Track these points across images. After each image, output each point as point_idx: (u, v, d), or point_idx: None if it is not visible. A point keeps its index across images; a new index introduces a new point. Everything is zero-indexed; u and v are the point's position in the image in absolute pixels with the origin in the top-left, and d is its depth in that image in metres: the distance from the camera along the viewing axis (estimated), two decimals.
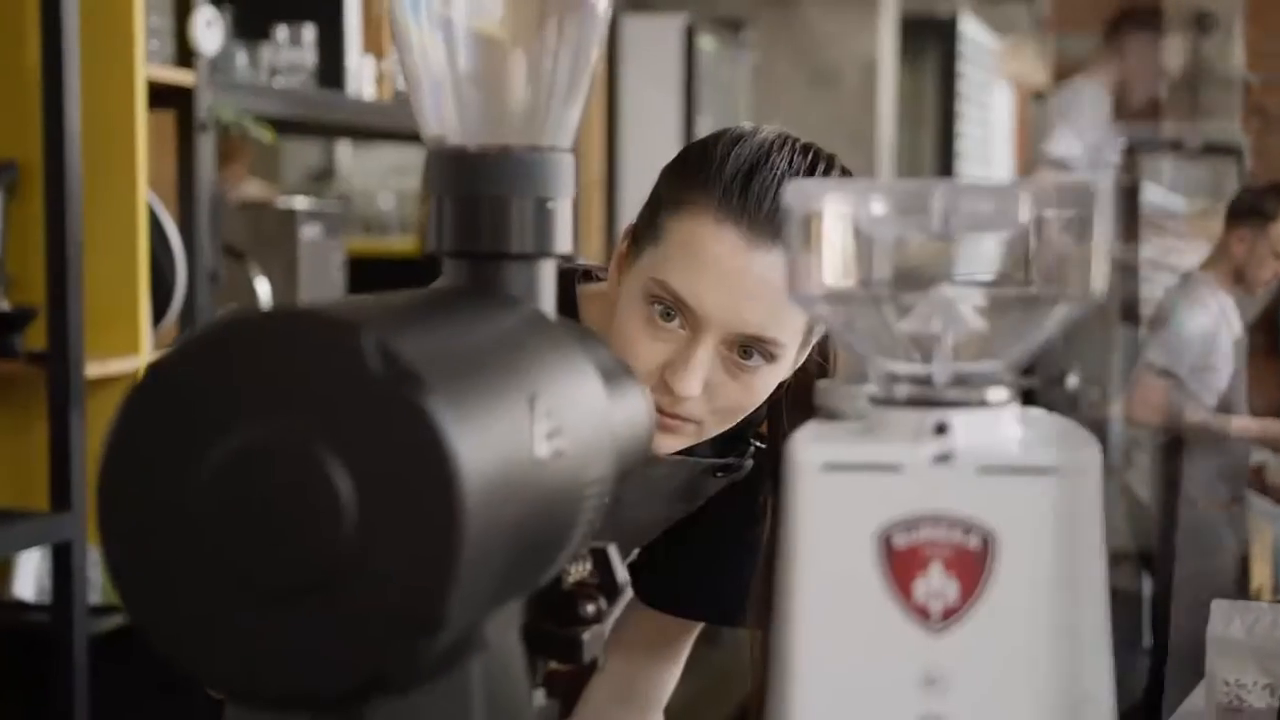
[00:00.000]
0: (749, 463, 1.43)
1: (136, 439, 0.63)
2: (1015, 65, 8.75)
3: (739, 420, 1.32)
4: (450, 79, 0.83)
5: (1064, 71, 9.85)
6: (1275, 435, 4.38)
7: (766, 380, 1.29)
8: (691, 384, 1.25)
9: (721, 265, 1.25)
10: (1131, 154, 5.21)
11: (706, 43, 4.83)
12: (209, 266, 2.72)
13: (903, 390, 0.71)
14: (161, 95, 2.64)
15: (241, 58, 2.96)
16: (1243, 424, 4.33)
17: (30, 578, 2.61)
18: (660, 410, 1.27)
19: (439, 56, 0.83)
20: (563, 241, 0.83)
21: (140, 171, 2.50)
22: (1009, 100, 9.13)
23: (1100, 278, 0.69)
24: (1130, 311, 4.70)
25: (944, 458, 0.68)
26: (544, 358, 0.75)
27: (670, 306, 1.26)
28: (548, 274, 0.83)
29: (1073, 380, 4.55)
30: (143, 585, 0.63)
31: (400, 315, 0.68)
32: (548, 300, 0.83)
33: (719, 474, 1.42)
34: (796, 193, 0.71)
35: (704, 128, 5.81)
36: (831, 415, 0.81)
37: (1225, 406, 4.16)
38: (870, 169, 5.72)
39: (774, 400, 1.35)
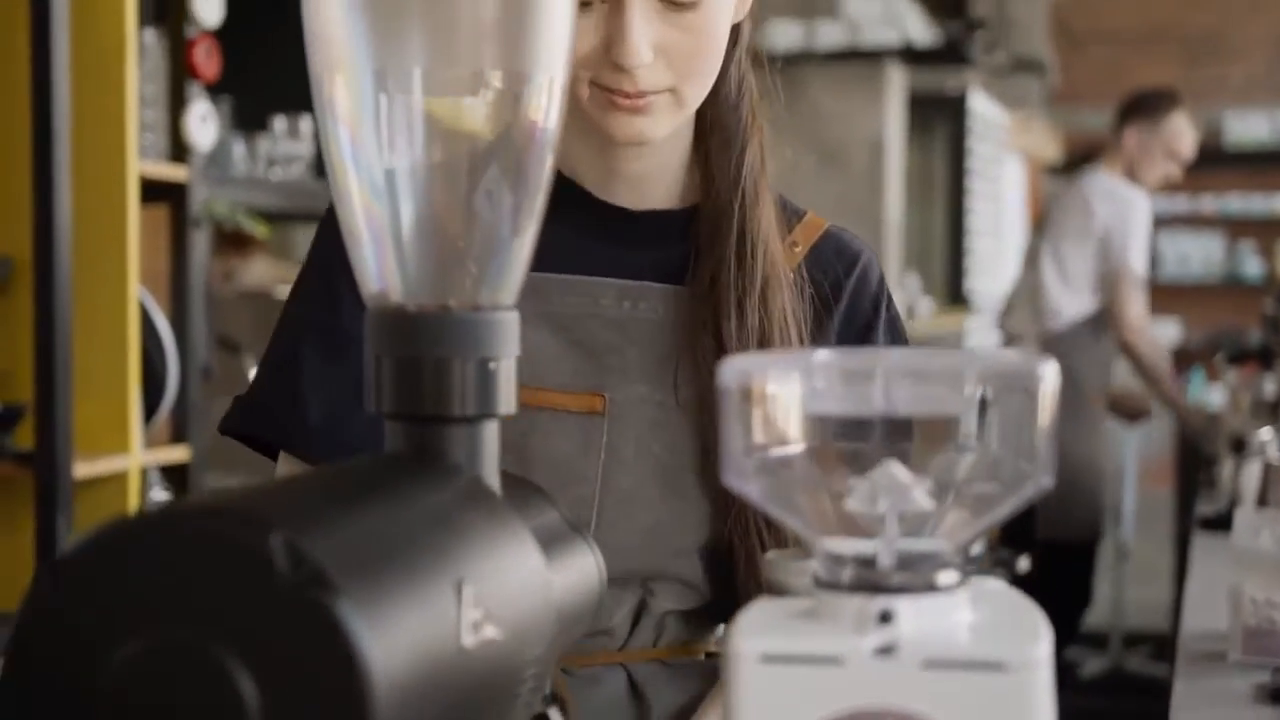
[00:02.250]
0: None
1: (39, 640, 0.61)
2: (1026, 139, 8.76)
3: (713, 74, 1.22)
4: (391, 234, 0.81)
5: (1074, 144, 9.87)
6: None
7: (714, 16, 1.19)
8: (635, 49, 1.15)
9: None
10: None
11: None
12: (201, 361, 2.70)
13: (847, 573, 0.68)
14: (156, 190, 2.64)
15: (239, 149, 2.95)
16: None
17: None
18: (624, 93, 1.18)
19: (379, 210, 0.80)
20: (506, 403, 0.81)
21: (132, 268, 2.49)
22: (1020, 173, 9.12)
23: (1048, 462, 0.66)
24: None
25: (887, 650, 0.65)
26: (476, 535, 0.72)
27: None
28: (490, 436, 0.80)
29: None
30: None
31: (316, 505, 0.65)
32: (490, 463, 0.80)
33: None
34: (732, 369, 0.69)
35: None
36: (779, 590, 0.78)
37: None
38: (879, 247, 5.71)
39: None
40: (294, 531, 0.60)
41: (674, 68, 1.18)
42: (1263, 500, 2.72)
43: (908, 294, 6.33)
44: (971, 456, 0.70)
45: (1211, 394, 8.38)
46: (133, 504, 2.54)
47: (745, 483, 0.70)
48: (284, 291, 1.34)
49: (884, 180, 5.69)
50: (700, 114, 1.27)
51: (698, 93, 1.22)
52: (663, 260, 1.28)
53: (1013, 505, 0.68)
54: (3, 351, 2.46)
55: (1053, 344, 4.42)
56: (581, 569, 0.82)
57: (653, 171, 1.29)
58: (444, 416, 0.79)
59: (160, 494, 2.74)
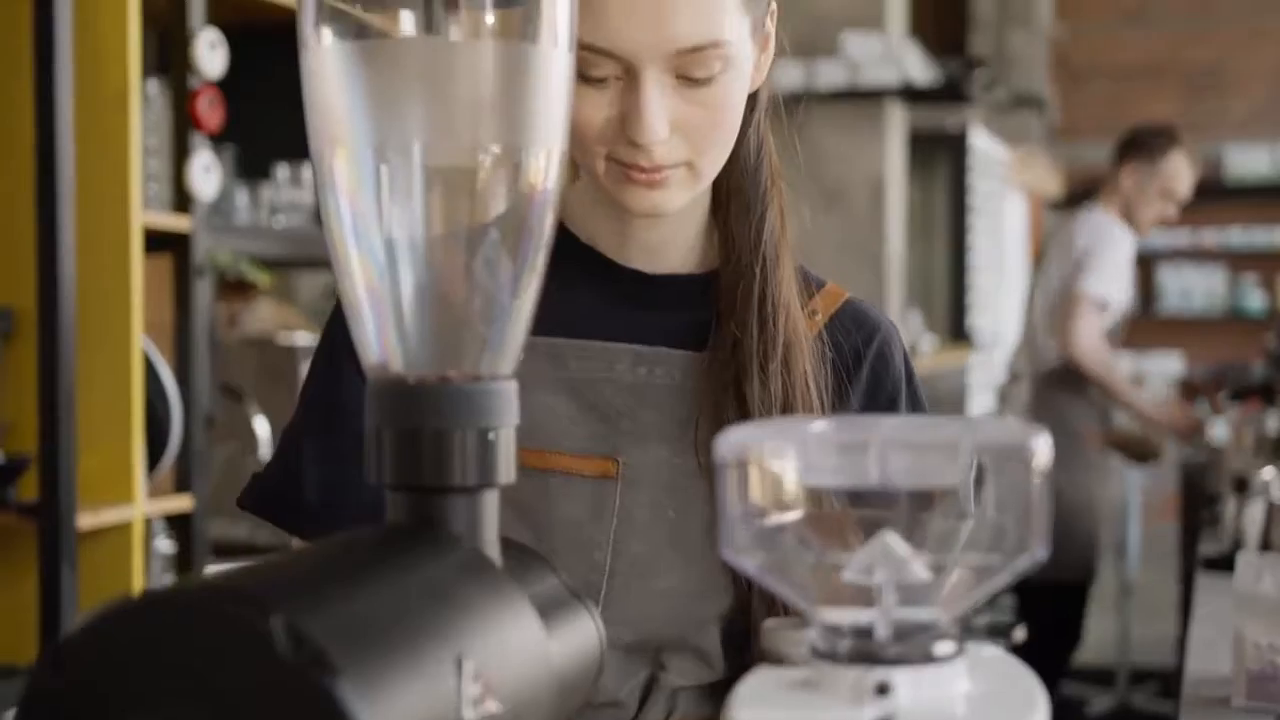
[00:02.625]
0: None
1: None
2: (1027, 174, 8.79)
3: (729, 145, 1.21)
4: (390, 305, 0.81)
5: (1076, 179, 9.90)
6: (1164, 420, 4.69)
7: (730, 89, 1.18)
8: (651, 127, 1.14)
9: None
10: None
11: None
12: (205, 410, 2.71)
13: (844, 645, 0.69)
14: (159, 239, 2.65)
15: (242, 197, 2.97)
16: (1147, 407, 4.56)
17: None
18: (640, 168, 1.17)
19: (379, 282, 0.81)
20: (506, 472, 0.81)
21: (135, 318, 2.50)
22: (1021, 209, 9.15)
23: (1044, 533, 0.67)
24: None
25: None
26: (476, 609, 0.72)
27: (594, 65, 1.14)
28: (490, 505, 0.81)
29: None
30: None
31: (316, 583, 0.66)
32: (490, 532, 0.81)
33: None
34: (728, 441, 0.69)
35: None
36: (777, 659, 0.78)
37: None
38: (881, 284, 5.72)
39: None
40: (294, 611, 0.60)
41: (690, 142, 1.18)
42: (1266, 542, 2.72)
43: (910, 331, 6.34)
44: (968, 526, 0.70)
45: (1216, 428, 8.38)
46: (137, 554, 2.54)
47: (742, 553, 0.70)
48: (287, 338, 1.36)
49: (885, 218, 5.70)
50: (718, 180, 1.26)
51: (714, 165, 1.21)
52: (680, 325, 1.28)
53: (1010, 575, 0.68)
54: (7, 403, 2.46)
55: (1044, 383, 4.42)
56: (582, 634, 0.83)
57: (669, 238, 1.29)
58: (444, 487, 0.79)
59: (164, 543, 2.74)
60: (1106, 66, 10.15)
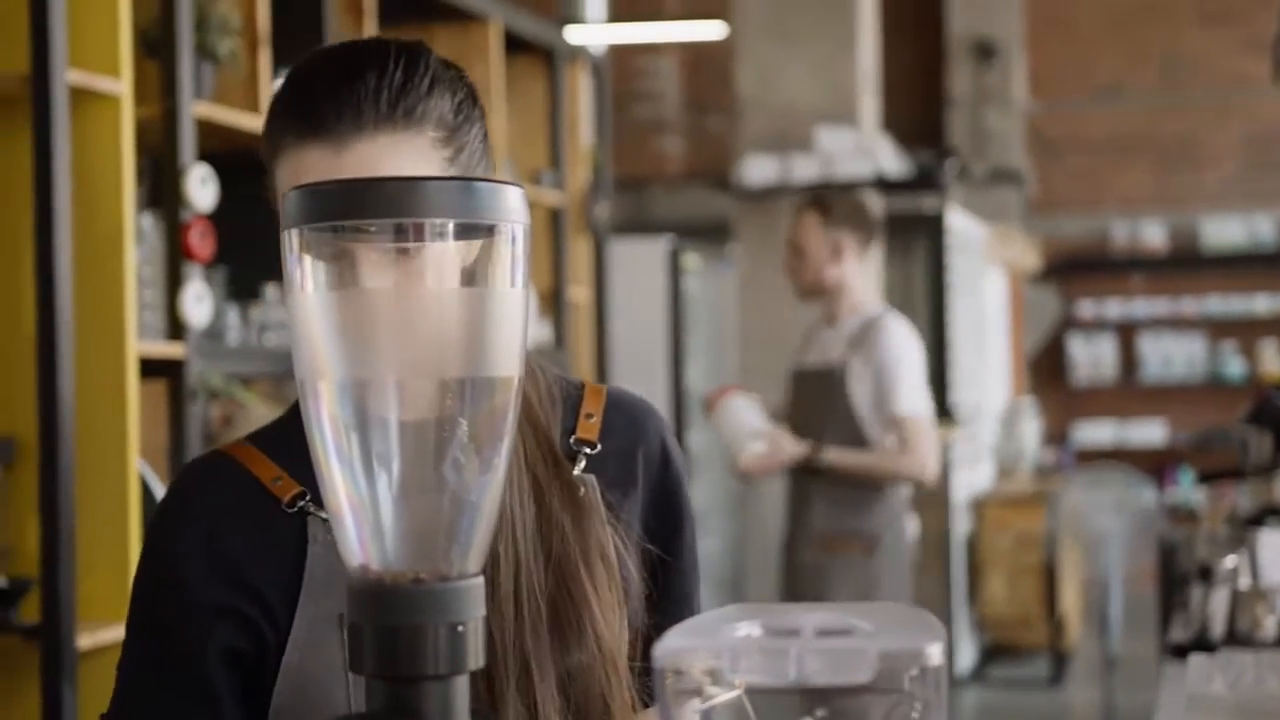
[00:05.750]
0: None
1: None
2: (1006, 250, 8.93)
3: None
4: (370, 516, 0.92)
5: (1054, 253, 10.06)
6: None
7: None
8: None
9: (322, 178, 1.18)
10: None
11: (691, 261, 4.96)
12: None
13: None
14: (154, 365, 2.75)
15: (234, 317, 3.08)
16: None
17: None
18: None
19: (358, 497, 0.92)
20: (475, 659, 0.91)
21: (132, 444, 2.60)
22: (1001, 284, 9.28)
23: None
24: None
25: None
26: None
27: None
28: (461, 690, 0.91)
29: None
30: None
31: None
32: (461, 715, 0.91)
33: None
34: (666, 651, 0.79)
35: (692, 341, 5.95)
36: None
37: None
38: None
39: None
40: None
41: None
42: (1231, 631, 2.80)
43: None
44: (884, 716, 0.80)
45: (1197, 495, 8.47)
46: None
47: None
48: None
49: None
50: None
51: None
52: None
53: None
54: (9, 528, 2.56)
55: None
56: None
57: None
58: (418, 676, 0.89)
59: None
60: (1082, 141, 10.33)
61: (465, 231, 0.90)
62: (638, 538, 1.35)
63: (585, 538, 1.28)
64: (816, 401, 3.91)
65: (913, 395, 3.87)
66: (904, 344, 3.93)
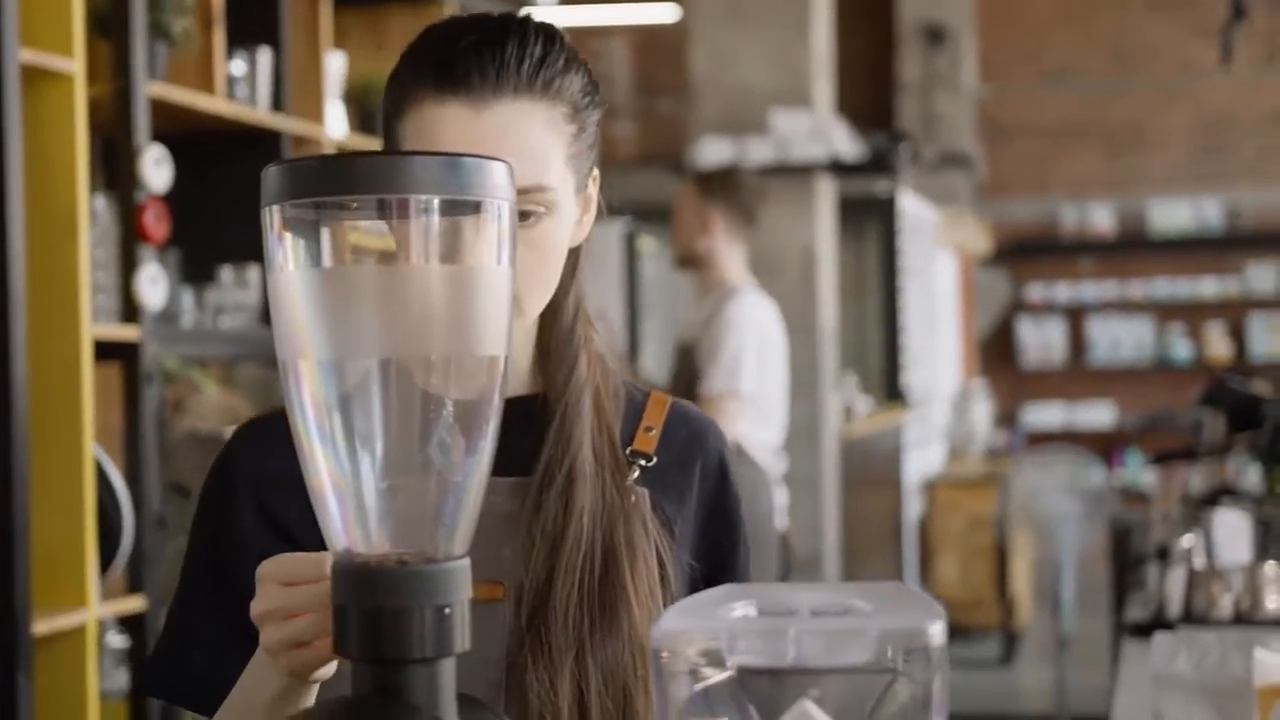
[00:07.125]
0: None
1: None
2: (956, 234, 8.97)
3: (554, 283, 1.26)
4: (353, 498, 0.90)
5: (1004, 236, 10.10)
6: None
7: (552, 233, 1.23)
8: None
9: (450, 139, 1.20)
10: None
11: (647, 244, 4.95)
12: (155, 512, 2.77)
13: None
14: (108, 348, 2.72)
15: (188, 300, 3.04)
16: None
17: None
18: None
19: (342, 478, 0.90)
20: (461, 641, 0.90)
21: (87, 428, 2.56)
22: (952, 267, 9.32)
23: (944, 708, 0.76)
24: None
25: None
26: None
27: None
28: (448, 673, 0.90)
29: None
30: None
31: None
32: (447, 698, 0.89)
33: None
34: (662, 634, 0.78)
35: (648, 324, 5.93)
36: None
37: None
38: (814, 352, 5.83)
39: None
40: None
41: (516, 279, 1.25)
42: (1188, 609, 2.82)
43: (845, 394, 6.46)
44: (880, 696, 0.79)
45: (1146, 476, 8.53)
46: (91, 657, 2.60)
47: None
48: (230, 431, 1.39)
49: (817, 286, 5.82)
50: (543, 317, 1.31)
51: (537, 303, 1.27)
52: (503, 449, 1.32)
53: None
54: None
55: None
56: None
57: None
58: (404, 659, 0.88)
59: (117, 641, 2.80)
60: (1031, 125, 10.36)
61: (450, 208, 0.88)
62: (689, 546, 1.34)
63: (632, 538, 1.28)
64: (679, 376, 3.94)
65: (722, 375, 3.82)
66: (738, 321, 3.89)
